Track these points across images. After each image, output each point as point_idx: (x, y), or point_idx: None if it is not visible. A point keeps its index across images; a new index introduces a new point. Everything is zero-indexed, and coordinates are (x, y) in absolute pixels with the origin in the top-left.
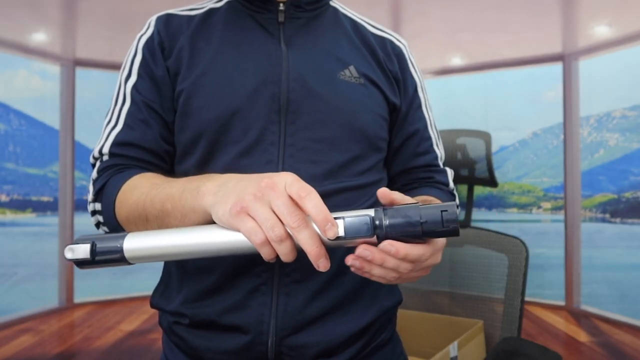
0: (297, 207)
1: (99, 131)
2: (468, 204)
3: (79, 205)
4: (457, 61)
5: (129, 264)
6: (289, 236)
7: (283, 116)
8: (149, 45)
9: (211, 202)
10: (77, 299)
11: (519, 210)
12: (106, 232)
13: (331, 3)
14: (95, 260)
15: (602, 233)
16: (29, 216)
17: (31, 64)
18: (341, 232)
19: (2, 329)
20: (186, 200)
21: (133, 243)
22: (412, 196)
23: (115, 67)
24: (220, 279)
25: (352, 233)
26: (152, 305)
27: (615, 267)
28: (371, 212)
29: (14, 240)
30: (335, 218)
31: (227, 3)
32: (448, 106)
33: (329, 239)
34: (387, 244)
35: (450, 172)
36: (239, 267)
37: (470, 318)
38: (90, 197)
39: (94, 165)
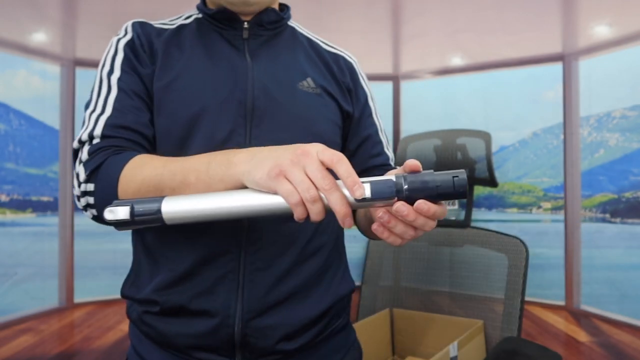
0: (328, 172)
1: None
2: (468, 204)
3: None
4: (457, 61)
5: (166, 224)
6: (320, 198)
7: (249, 120)
8: (131, 47)
9: (245, 170)
10: (77, 299)
11: (519, 210)
12: (94, 216)
13: (289, 23)
14: (135, 220)
15: (602, 233)
16: (29, 216)
17: (31, 64)
18: (367, 194)
19: (2, 329)
20: (214, 170)
21: (171, 205)
22: None
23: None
24: (190, 268)
25: (378, 194)
26: (123, 295)
27: (615, 267)
28: (393, 177)
29: (14, 240)
30: (362, 182)
31: (195, 20)
32: (448, 106)
33: (356, 199)
34: (422, 203)
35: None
36: (208, 256)
37: (470, 318)
38: (81, 177)
39: (77, 150)
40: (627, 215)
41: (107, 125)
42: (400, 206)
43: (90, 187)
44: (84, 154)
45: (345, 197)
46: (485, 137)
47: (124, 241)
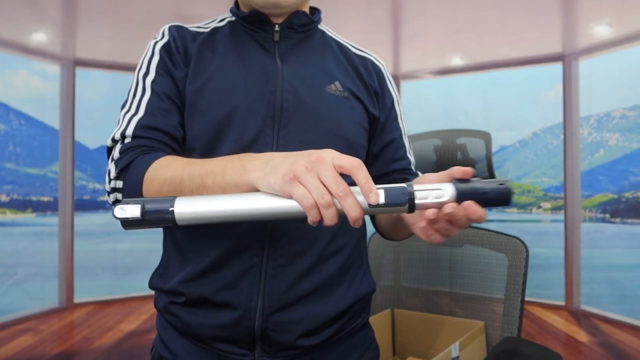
0: (342, 179)
1: (99, 131)
2: None
3: (79, 205)
4: (457, 61)
5: (176, 225)
6: (334, 203)
7: (277, 121)
8: (166, 50)
9: (260, 176)
10: (77, 299)
11: (519, 210)
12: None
13: (319, 26)
14: (145, 219)
15: (602, 233)
16: (29, 216)
17: (31, 64)
18: (382, 200)
19: (2, 329)
20: (230, 176)
21: (183, 206)
22: None
23: (115, 67)
24: (215, 262)
25: (391, 200)
26: (151, 286)
27: (615, 267)
28: (405, 184)
29: (14, 240)
30: (377, 189)
31: (228, 22)
32: (448, 106)
33: (370, 204)
34: (471, 203)
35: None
36: (232, 251)
37: (470, 318)
38: (112, 174)
39: (111, 148)
40: (627, 215)
41: (138, 125)
42: (448, 207)
43: (120, 184)
44: (116, 152)
45: (358, 202)
46: (485, 137)
47: (124, 241)
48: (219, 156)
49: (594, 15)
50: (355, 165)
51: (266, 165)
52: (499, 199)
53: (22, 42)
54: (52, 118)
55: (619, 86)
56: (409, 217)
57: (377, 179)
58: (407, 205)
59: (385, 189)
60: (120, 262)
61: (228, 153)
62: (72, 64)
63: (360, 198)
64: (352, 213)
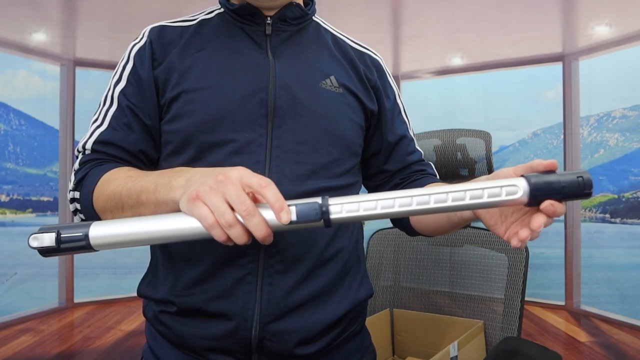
0: (248, 197)
1: None
2: None
3: None
4: (457, 61)
5: (94, 250)
6: (239, 222)
7: (270, 120)
8: (140, 54)
9: (180, 194)
10: (77, 299)
11: None
12: (82, 220)
13: (314, 18)
14: (60, 247)
15: (602, 233)
16: (29, 216)
17: (31, 64)
18: (293, 217)
19: (2, 329)
20: (159, 193)
21: (98, 231)
22: (418, 186)
23: (116, 67)
24: (207, 269)
25: (303, 217)
26: (139, 294)
27: (615, 267)
28: (319, 199)
29: (14, 240)
30: (289, 205)
31: (217, 15)
32: (448, 106)
33: (283, 223)
34: (549, 204)
35: (432, 164)
36: (226, 258)
37: (470, 318)
38: (71, 185)
39: (77, 157)
40: (627, 215)
41: (97, 140)
42: (549, 205)
43: (77, 194)
44: (76, 164)
45: (264, 221)
46: (485, 137)
47: None
48: (209, 161)
49: (594, 15)
50: (263, 185)
51: (186, 183)
52: (579, 192)
53: (22, 42)
54: (52, 118)
55: (619, 86)
56: (487, 219)
57: (399, 172)
58: (321, 220)
59: (297, 206)
60: (120, 262)
61: (219, 157)
62: (72, 64)
63: (272, 216)
64: (258, 233)
